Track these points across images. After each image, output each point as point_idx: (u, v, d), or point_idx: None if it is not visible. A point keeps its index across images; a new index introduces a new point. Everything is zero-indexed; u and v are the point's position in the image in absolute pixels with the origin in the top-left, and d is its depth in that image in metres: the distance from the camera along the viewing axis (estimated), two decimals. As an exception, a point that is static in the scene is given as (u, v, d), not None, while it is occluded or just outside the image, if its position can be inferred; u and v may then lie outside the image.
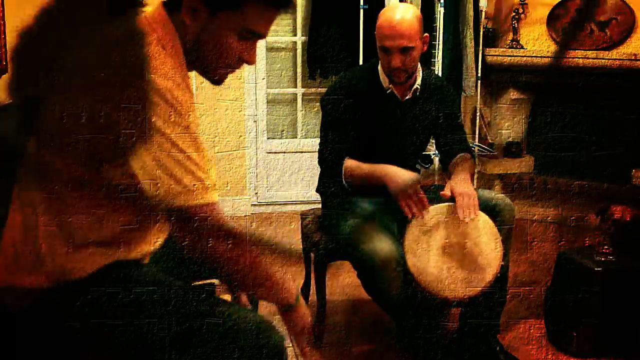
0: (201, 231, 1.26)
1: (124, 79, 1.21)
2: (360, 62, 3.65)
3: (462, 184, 2.16)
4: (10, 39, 3.16)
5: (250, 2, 1.29)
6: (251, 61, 1.35)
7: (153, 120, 1.22)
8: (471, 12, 3.91)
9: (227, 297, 1.53)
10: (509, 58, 4.06)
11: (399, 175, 2.16)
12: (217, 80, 1.38)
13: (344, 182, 2.28)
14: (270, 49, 4.20)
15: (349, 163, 2.28)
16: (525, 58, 4.03)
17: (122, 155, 1.24)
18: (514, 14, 4.07)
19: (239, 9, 1.28)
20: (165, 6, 1.33)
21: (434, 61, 3.89)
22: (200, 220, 1.25)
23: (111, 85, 1.22)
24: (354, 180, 2.27)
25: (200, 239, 1.27)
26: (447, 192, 2.15)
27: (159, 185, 1.24)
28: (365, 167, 2.25)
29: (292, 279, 1.45)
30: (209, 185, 1.27)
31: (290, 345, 1.42)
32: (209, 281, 1.52)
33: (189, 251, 1.29)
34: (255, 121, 4.14)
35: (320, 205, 2.53)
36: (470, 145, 3.99)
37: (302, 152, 4.21)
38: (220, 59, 1.33)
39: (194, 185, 1.24)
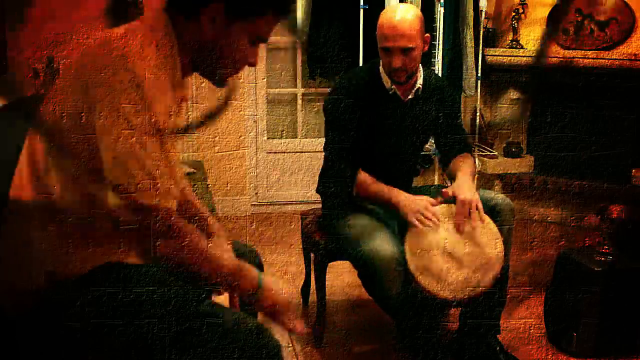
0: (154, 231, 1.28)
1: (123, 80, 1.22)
2: (361, 62, 3.65)
3: (465, 189, 2.17)
4: (11, 38, 3.16)
5: (264, 13, 1.36)
6: (255, 63, 1.42)
7: (153, 120, 1.23)
8: (471, 12, 3.91)
9: (223, 299, 1.53)
10: (509, 58, 4.06)
11: (412, 202, 2.18)
12: (220, 82, 1.43)
13: (353, 193, 2.28)
14: (270, 49, 4.20)
15: (364, 177, 2.28)
16: (525, 58, 4.03)
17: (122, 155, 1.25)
18: (514, 14, 4.07)
19: (255, 19, 1.35)
20: (166, 11, 1.35)
21: (434, 61, 3.89)
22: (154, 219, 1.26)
23: (109, 86, 1.23)
24: (365, 195, 2.28)
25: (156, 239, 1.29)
26: (449, 191, 2.17)
27: (159, 185, 1.25)
28: (381, 188, 2.26)
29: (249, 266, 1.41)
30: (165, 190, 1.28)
31: (290, 345, 1.42)
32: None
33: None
34: (255, 121, 4.14)
35: (320, 205, 2.53)
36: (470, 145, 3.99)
37: (302, 152, 4.21)
38: (230, 63, 1.39)
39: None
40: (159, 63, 1.28)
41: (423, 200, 2.18)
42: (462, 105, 4.05)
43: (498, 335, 2.32)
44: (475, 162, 2.47)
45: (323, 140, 2.38)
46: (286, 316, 1.42)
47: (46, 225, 1.29)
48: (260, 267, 1.69)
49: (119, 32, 1.30)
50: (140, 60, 1.25)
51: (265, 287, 1.39)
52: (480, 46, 3.97)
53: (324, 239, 2.44)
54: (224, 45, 1.36)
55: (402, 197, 2.21)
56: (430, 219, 2.12)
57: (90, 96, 1.23)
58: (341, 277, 2.94)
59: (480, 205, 2.13)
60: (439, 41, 3.86)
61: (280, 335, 1.37)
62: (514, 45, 4.07)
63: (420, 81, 2.32)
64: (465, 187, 2.18)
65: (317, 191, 2.48)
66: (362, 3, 3.65)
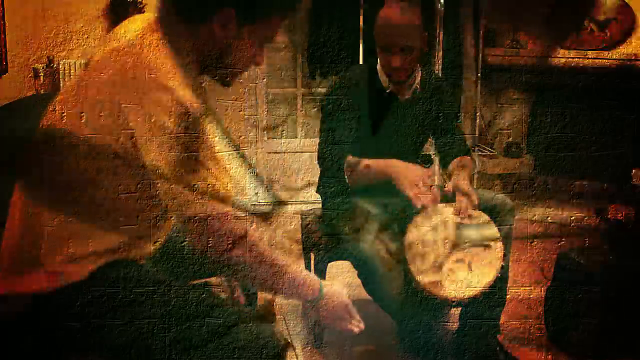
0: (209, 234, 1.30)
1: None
2: (360, 62, 3.66)
3: (461, 184, 2.18)
4: (11, 38, 3.16)
5: (274, 15, 1.37)
6: (261, 62, 1.43)
7: (153, 120, 1.23)
8: (471, 12, 3.91)
9: (224, 295, 1.54)
10: (509, 58, 4.06)
11: (409, 169, 2.13)
12: (228, 82, 1.44)
13: (345, 178, 2.26)
14: (270, 49, 4.19)
15: (353, 159, 2.26)
16: (525, 58, 4.03)
17: (123, 155, 1.25)
18: (514, 14, 4.07)
19: (265, 22, 1.36)
20: (179, 12, 1.35)
21: (434, 61, 3.89)
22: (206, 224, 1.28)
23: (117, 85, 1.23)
24: (357, 175, 2.25)
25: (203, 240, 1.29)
26: (449, 187, 2.19)
27: (158, 185, 1.26)
28: (370, 161, 2.23)
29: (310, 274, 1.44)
30: (222, 192, 1.30)
31: (290, 346, 1.42)
32: (204, 280, 1.52)
33: (193, 251, 1.31)
34: (255, 121, 4.14)
35: (320, 205, 2.53)
36: (470, 145, 3.99)
37: (302, 152, 4.20)
38: (238, 64, 1.40)
39: (205, 190, 1.28)
40: (162, 60, 1.28)
41: (419, 170, 2.13)
42: (462, 105, 4.05)
43: (498, 335, 2.33)
44: (476, 164, 2.48)
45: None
46: (345, 320, 1.50)
47: (49, 224, 1.30)
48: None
49: (138, 34, 1.30)
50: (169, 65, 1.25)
51: (327, 296, 1.44)
52: (481, 46, 3.97)
53: (324, 239, 2.44)
54: (234, 48, 1.36)
55: (400, 166, 2.14)
56: (428, 191, 2.09)
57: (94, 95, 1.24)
58: (341, 277, 2.94)
59: (475, 200, 2.14)
60: (439, 41, 3.86)
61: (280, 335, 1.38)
62: (514, 45, 4.07)
63: (418, 81, 2.32)
64: (461, 182, 2.19)
65: (317, 191, 2.48)
66: (362, 3, 3.65)
